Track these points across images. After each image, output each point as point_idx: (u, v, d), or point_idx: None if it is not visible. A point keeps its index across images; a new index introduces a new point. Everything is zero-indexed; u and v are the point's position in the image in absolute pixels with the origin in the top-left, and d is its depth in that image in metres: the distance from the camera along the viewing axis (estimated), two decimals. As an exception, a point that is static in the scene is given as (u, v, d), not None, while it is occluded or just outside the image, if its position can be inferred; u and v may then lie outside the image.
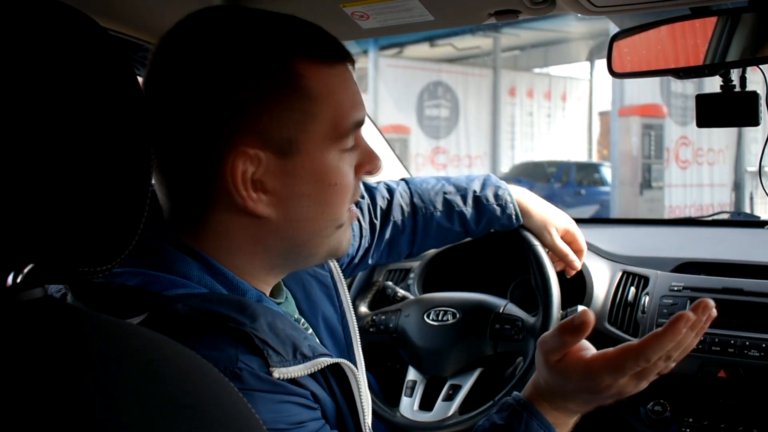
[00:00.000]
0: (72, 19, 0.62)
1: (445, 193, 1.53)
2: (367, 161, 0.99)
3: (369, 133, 2.04)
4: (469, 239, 1.65)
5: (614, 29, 1.45)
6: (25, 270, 0.57)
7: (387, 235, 1.48)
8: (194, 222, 0.92)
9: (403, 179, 1.57)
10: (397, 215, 1.49)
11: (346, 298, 1.18)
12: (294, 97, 0.88)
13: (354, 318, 1.18)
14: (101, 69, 0.62)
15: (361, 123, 0.96)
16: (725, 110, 1.32)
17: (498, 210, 1.52)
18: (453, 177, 1.60)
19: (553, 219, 1.56)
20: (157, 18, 0.89)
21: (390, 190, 1.52)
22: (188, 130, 0.87)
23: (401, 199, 1.50)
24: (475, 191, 1.53)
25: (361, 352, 1.17)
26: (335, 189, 0.94)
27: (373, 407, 1.62)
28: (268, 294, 0.98)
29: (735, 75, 1.32)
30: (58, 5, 0.62)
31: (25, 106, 0.56)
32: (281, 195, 0.90)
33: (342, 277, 1.21)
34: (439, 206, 1.51)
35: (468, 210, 1.52)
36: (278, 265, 0.98)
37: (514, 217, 1.53)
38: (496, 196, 1.52)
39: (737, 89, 1.31)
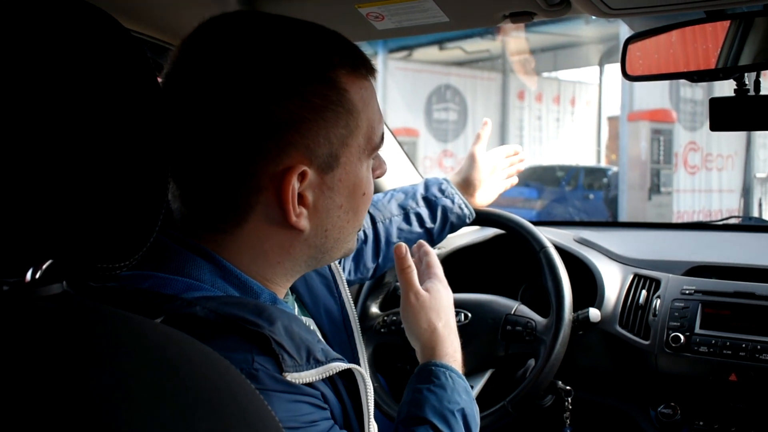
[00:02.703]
0: (95, 19, 0.63)
1: (396, 200, 1.58)
2: (378, 166, 1.02)
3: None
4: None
5: (625, 34, 1.45)
6: (44, 266, 0.58)
7: None
8: (219, 230, 0.91)
9: None
10: None
11: (344, 288, 1.20)
12: (340, 112, 0.88)
13: (353, 308, 1.20)
14: (121, 68, 0.63)
15: (384, 135, 0.99)
16: (739, 114, 1.31)
17: (449, 201, 1.59)
18: (397, 188, 1.65)
19: (481, 174, 1.68)
20: (175, 18, 0.89)
21: None
22: (227, 142, 0.85)
23: None
24: (422, 193, 1.60)
25: (362, 342, 1.19)
26: (364, 198, 0.96)
27: (383, 407, 1.63)
28: (282, 296, 0.99)
29: (749, 79, 1.32)
30: (82, 4, 0.62)
31: (46, 104, 0.56)
32: (318, 207, 0.91)
33: (339, 268, 1.22)
34: (395, 211, 1.56)
35: (423, 210, 1.58)
36: (299, 271, 0.99)
37: (464, 205, 1.61)
38: (442, 191, 1.60)
39: (751, 93, 1.31)
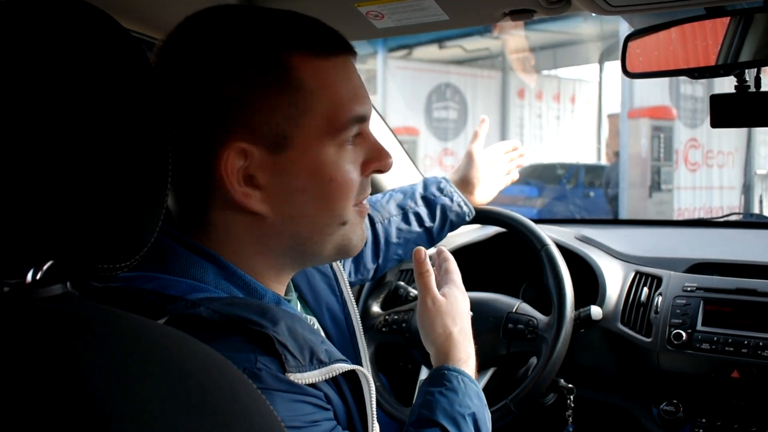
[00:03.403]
0: (95, 19, 0.63)
1: (395, 200, 1.58)
2: (376, 158, 0.98)
3: (380, 133, 2.04)
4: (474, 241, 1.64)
5: (624, 31, 1.45)
6: (45, 267, 0.58)
7: None
8: (198, 222, 0.92)
9: None
10: None
11: (346, 287, 1.20)
12: (284, 91, 0.87)
13: (355, 306, 1.20)
14: (121, 68, 0.63)
15: (363, 117, 0.94)
16: (740, 111, 1.31)
17: (447, 200, 1.59)
18: (395, 188, 1.65)
19: (481, 172, 1.68)
20: (177, 17, 0.89)
21: None
22: (184, 127, 0.86)
23: None
24: (420, 192, 1.59)
25: (364, 341, 1.19)
26: (333, 184, 0.92)
27: (385, 407, 1.63)
28: (283, 294, 0.99)
29: (749, 75, 1.32)
30: (81, 4, 0.62)
31: (46, 104, 0.56)
32: (275, 190, 0.90)
33: (341, 266, 1.22)
34: (394, 212, 1.56)
35: (422, 209, 1.58)
36: (285, 265, 0.98)
37: (463, 203, 1.61)
38: (441, 190, 1.60)
39: (752, 90, 1.31)
